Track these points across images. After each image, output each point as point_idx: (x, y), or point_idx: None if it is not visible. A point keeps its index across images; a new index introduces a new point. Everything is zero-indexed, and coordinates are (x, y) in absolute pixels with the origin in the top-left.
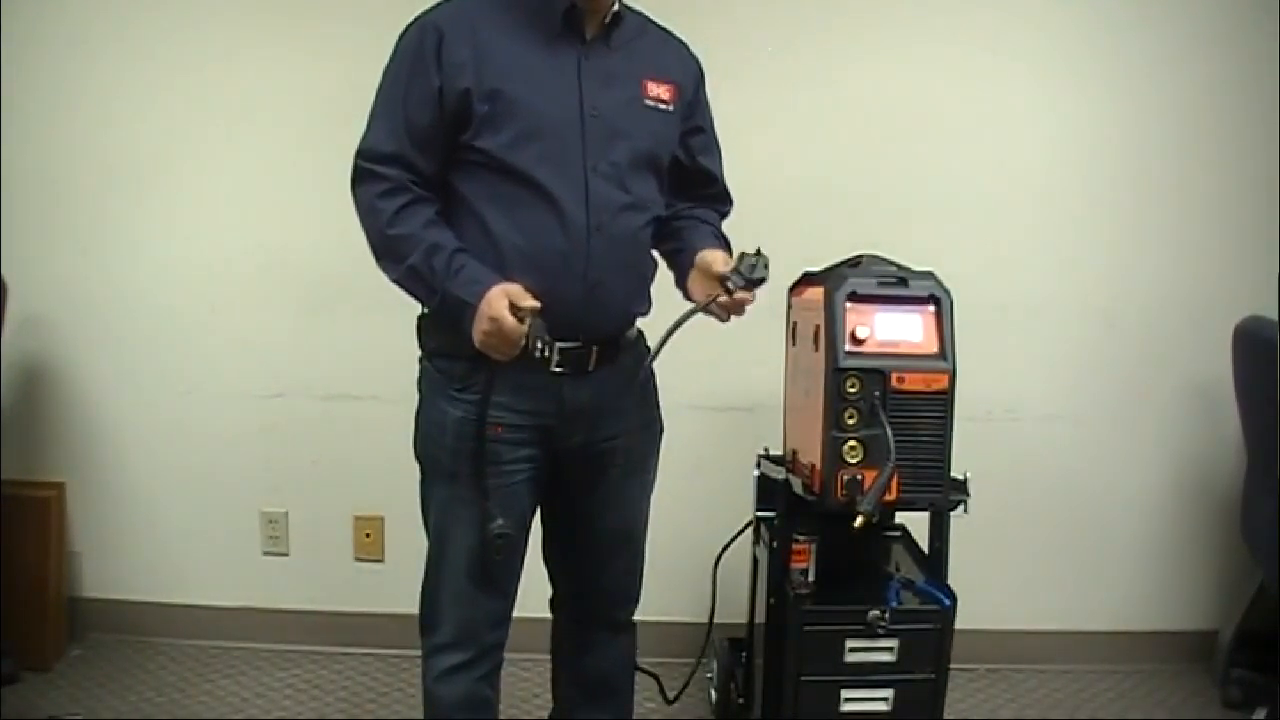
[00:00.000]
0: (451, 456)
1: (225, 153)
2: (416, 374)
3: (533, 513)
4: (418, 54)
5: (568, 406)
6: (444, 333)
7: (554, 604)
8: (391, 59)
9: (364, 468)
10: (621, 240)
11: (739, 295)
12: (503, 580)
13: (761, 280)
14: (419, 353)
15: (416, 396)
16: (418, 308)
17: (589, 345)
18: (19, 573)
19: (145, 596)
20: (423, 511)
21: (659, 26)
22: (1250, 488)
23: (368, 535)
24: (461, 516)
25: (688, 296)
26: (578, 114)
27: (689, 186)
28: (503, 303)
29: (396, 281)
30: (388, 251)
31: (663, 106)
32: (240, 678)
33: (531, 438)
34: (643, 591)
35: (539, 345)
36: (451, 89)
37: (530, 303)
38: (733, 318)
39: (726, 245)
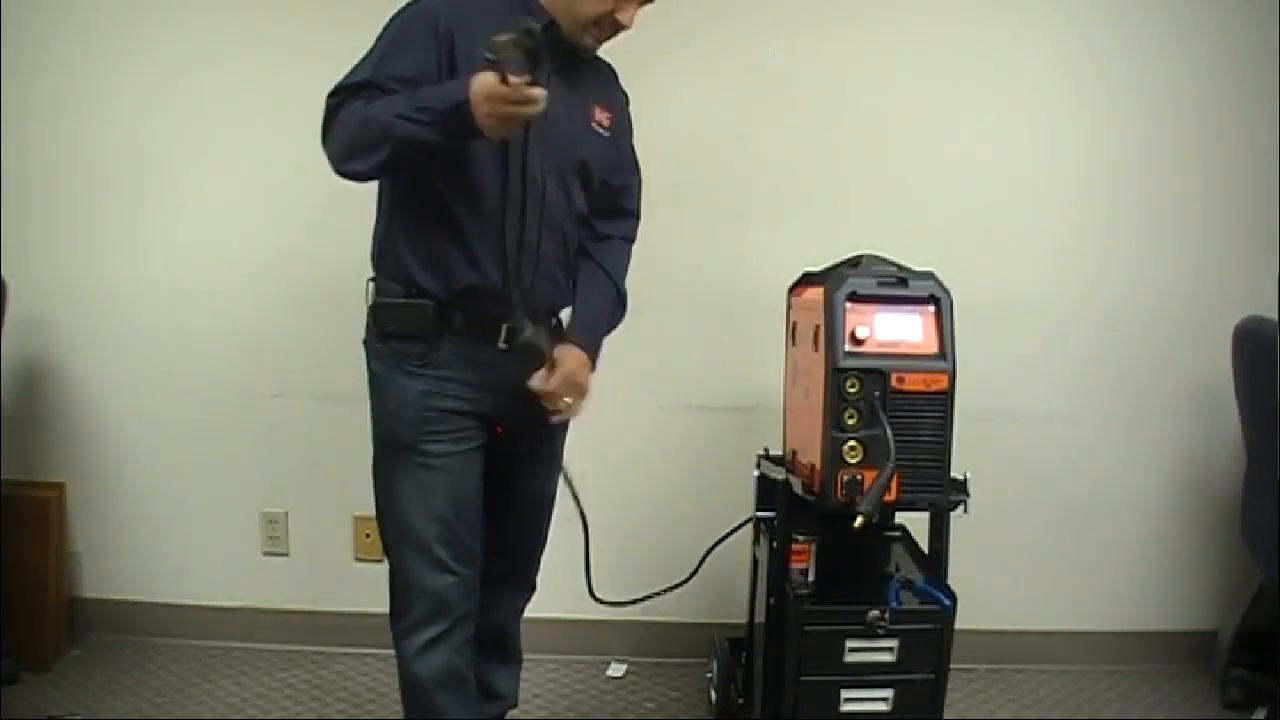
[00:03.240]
0: (414, 428)
1: (225, 153)
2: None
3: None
4: (425, 26)
5: (514, 379)
6: (405, 316)
7: None
8: (387, 28)
9: (364, 468)
10: (563, 238)
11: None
12: (470, 543)
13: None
14: (364, 339)
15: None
16: None
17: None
18: (19, 573)
19: (145, 597)
20: (378, 493)
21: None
22: (1250, 488)
23: (368, 535)
24: (427, 482)
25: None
26: (541, 121)
27: (604, 200)
28: (487, 76)
29: (392, 155)
30: (368, 133)
31: (603, 131)
32: (240, 678)
33: (480, 408)
34: (643, 591)
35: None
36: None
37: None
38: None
39: (619, 298)
